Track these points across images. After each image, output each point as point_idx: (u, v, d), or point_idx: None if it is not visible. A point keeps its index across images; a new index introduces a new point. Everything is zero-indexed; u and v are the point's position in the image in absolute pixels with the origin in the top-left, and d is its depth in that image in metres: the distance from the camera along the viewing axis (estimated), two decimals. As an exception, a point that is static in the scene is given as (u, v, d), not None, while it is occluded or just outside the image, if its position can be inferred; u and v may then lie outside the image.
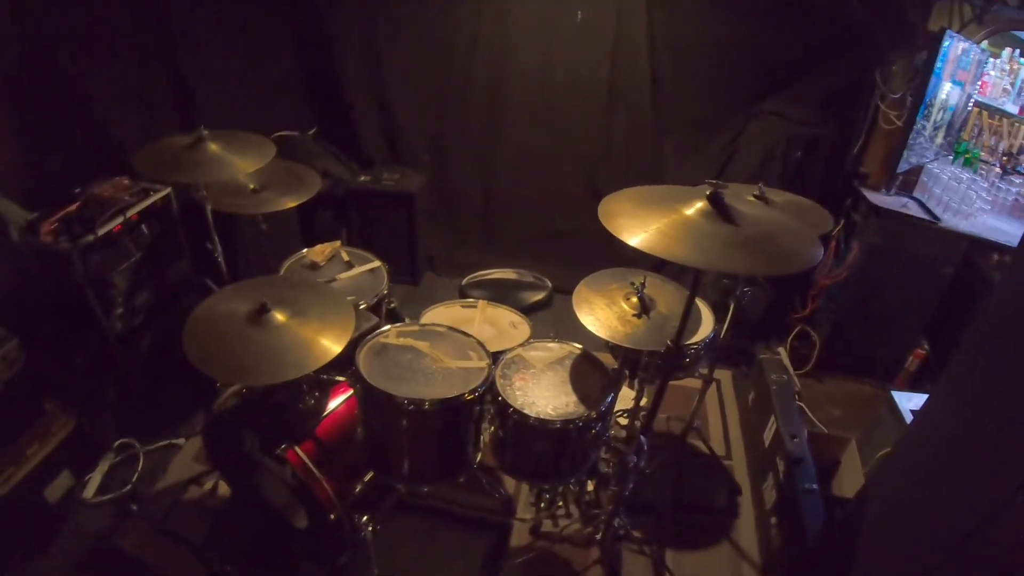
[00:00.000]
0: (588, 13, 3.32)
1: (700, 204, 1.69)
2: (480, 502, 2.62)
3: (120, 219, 2.59)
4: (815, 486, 2.36)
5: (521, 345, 2.25)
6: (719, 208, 1.67)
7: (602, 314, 2.10)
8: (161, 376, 2.84)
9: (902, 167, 2.89)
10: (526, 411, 1.99)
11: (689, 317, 1.79)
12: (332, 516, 2.11)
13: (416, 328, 2.21)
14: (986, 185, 3.04)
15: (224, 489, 2.64)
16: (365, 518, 2.18)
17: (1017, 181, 3.06)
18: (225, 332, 1.96)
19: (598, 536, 2.48)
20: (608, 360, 2.32)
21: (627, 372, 2.32)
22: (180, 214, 2.87)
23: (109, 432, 2.73)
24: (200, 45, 3.08)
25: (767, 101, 3.29)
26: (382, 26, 3.54)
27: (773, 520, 2.50)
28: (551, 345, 2.28)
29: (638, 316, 2.10)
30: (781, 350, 3.33)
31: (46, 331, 2.52)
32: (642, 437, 2.08)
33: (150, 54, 2.93)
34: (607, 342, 2.40)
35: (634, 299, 2.14)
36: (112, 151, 2.74)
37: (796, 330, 3.40)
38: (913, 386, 3.25)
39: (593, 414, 2.02)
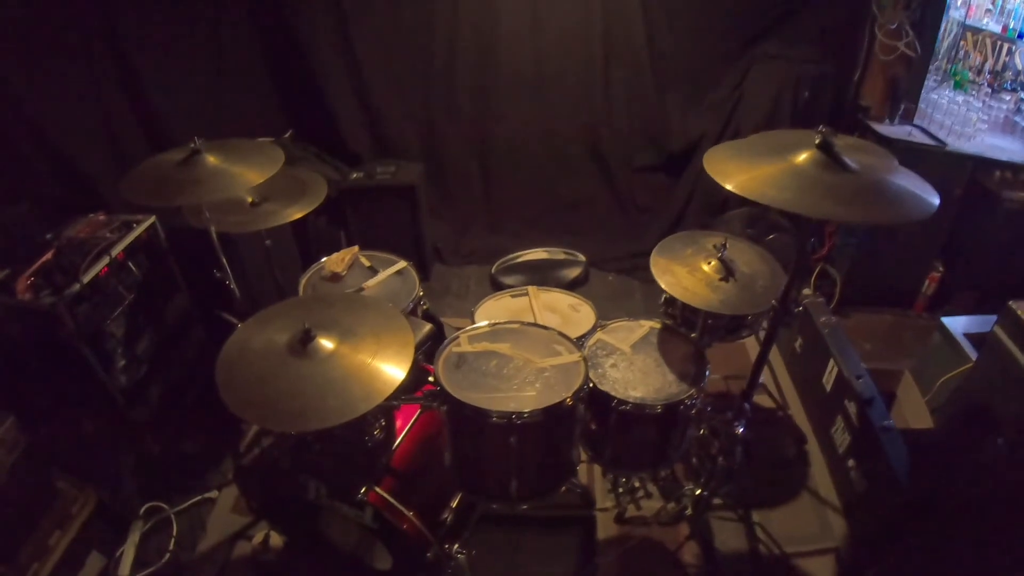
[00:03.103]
0: (574, -32, 3.14)
1: (807, 154, 1.59)
2: (558, 499, 2.48)
3: (105, 260, 2.26)
4: (892, 422, 2.36)
5: (601, 329, 2.11)
6: (832, 156, 1.58)
7: (688, 282, 1.99)
8: (179, 427, 2.54)
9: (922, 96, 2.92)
10: (630, 400, 1.86)
11: (801, 275, 1.70)
12: (429, 555, 1.93)
13: (487, 329, 2.02)
14: (979, 105, 3.11)
15: (277, 539, 2.39)
16: (456, 546, 2.02)
17: (1006, 98, 3.14)
18: (267, 371, 1.68)
19: (688, 512, 2.41)
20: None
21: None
22: (168, 243, 2.54)
23: (133, 499, 2.42)
24: (159, 60, 2.77)
25: (767, 43, 3.24)
26: (352, 13, 3.25)
27: (851, 463, 2.49)
28: (627, 323, 2.15)
29: (724, 280, 2.00)
30: (806, 291, 3.34)
31: (43, 402, 2.20)
32: (746, 404, 1.99)
33: (107, 77, 2.60)
34: (665, 308, 2.31)
35: (714, 262, 2.04)
36: (81, 187, 2.39)
37: (817, 270, 3.41)
38: (932, 309, 3.34)
39: (695, 392, 1.92)
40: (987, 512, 1.92)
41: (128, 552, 2.31)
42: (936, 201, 1.58)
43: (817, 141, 1.59)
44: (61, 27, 2.41)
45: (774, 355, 3.17)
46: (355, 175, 3.34)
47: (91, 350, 2.20)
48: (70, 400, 2.25)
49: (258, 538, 2.39)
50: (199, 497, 2.52)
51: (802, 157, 1.59)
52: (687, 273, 2.02)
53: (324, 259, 2.46)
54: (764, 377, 3.00)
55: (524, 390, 1.78)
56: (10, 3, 2.21)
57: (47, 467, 2.16)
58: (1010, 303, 2.24)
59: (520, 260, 3.63)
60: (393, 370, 1.66)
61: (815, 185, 1.51)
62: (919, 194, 1.59)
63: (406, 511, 1.89)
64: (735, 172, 1.57)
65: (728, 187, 1.52)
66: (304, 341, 1.70)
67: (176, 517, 2.45)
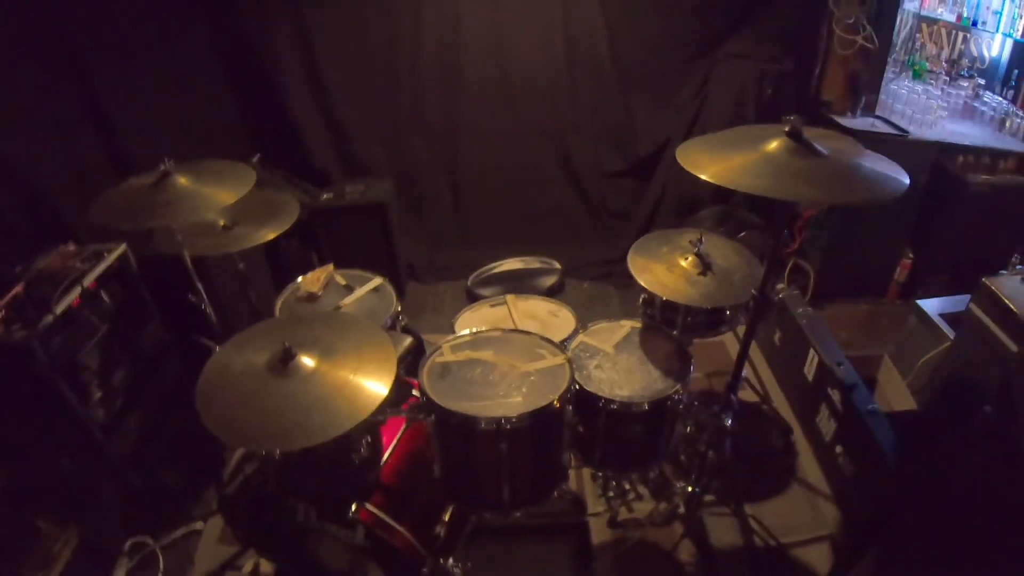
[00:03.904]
0: (534, -22, 3.18)
1: (777, 142, 1.62)
2: (549, 507, 2.45)
3: (77, 291, 2.21)
4: (876, 406, 2.38)
5: (582, 331, 2.12)
6: (801, 142, 1.61)
7: (668, 279, 2.00)
8: (160, 458, 2.48)
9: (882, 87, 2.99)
10: (618, 399, 1.86)
11: (776, 264, 1.73)
12: (424, 570, 1.90)
13: (469, 338, 2.01)
14: (939, 93, 3.19)
15: (267, 567, 2.33)
16: (451, 560, 1.99)
17: (964, 85, 3.23)
18: (248, 392, 1.64)
19: (680, 510, 2.40)
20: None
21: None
22: (139, 271, 2.50)
23: (117, 535, 2.35)
24: (124, 89, 2.73)
25: (728, 43, 3.30)
26: (316, 32, 3.25)
27: (838, 449, 2.50)
28: (608, 325, 2.16)
29: (703, 274, 2.02)
30: (781, 285, 3.37)
31: (19, 439, 2.13)
32: (732, 396, 2.00)
33: (71, 105, 2.57)
34: (644, 309, 2.31)
35: (691, 257, 2.05)
36: (48, 218, 2.34)
37: (790, 264, 3.46)
38: (905, 295, 3.40)
39: (680, 387, 1.93)
40: (980, 481, 1.94)
41: (114, 590, 2.25)
42: (907, 179, 1.61)
43: (787, 129, 1.62)
44: (24, 55, 2.37)
45: (754, 350, 3.19)
46: (325, 195, 3.32)
47: (66, 383, 2.14)
48: (47, 436, 2.18)
49: (247, 568, 2.34)
50: (185, 529, 2.46)
51: (773, 145, 1.62)
52: (665, 270, 2.04)
53: (299, 279, 2.43)
54: (746, 371, 3.03)
55: (511, 395, 1.77)
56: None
57: (27, 506, 2.09)
58: (983, 280, 2.30)
59: (495, 271, 3.62)
60: (376, 384, 1.63)
61: (788, 170, 1.54)
62: (890, 174, 1.62)
63: (398, 527, 1.86)
64: (709, 163, 1.59)
65: (704, 177, 1.54)
66: (285, 360, 1.67)
67: (162, 551, 2.38)
